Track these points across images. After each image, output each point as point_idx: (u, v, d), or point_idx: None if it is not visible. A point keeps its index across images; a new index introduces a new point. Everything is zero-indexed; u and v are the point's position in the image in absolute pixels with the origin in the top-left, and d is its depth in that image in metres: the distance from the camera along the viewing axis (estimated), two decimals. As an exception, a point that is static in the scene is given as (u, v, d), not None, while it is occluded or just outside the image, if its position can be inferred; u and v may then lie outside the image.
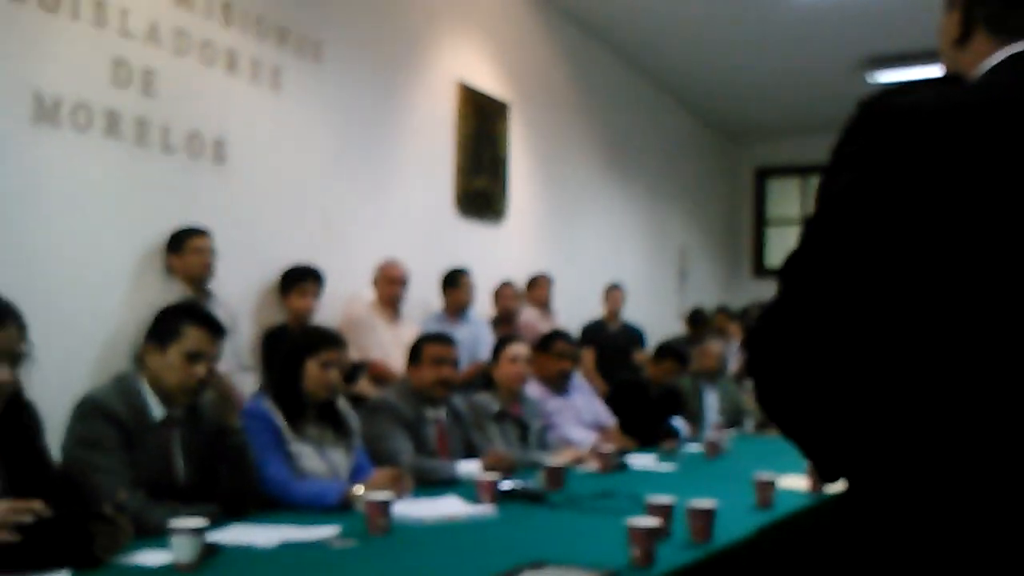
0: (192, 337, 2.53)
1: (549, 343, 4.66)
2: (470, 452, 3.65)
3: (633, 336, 7.32)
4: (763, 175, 11.35)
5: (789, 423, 1.05)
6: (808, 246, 1.03)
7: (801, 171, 10.81)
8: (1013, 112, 0.96)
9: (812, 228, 1.04)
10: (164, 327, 2.56)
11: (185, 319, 2.56)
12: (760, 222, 11.40)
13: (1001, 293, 0.92)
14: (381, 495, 2.45)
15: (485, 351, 5.22)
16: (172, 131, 4.17)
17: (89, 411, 2.44)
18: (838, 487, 1.08)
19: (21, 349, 2.10)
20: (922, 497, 0.95)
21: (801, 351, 0.98)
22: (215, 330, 2.60)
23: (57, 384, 2.87)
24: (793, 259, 1.04)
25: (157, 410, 2.52)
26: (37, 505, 1.89)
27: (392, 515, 2.43)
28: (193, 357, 2.52)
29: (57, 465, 2.35)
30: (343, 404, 3.17)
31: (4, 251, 3.50)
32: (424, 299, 5.75)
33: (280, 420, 2.92)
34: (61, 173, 3.75)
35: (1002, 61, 1.08)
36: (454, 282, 5.66)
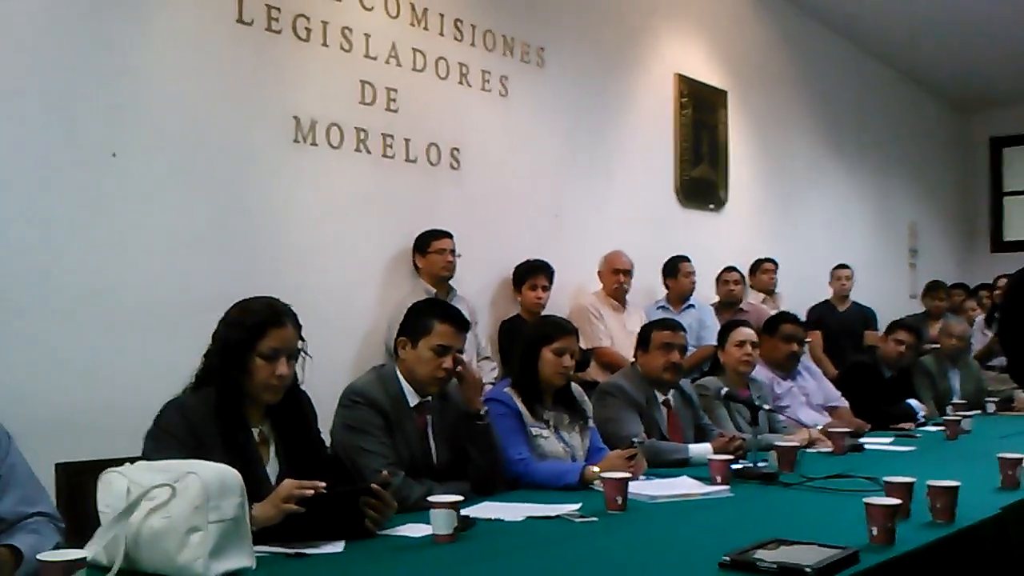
0: (439, 332, 2.75)
1: (776, 326, 4.66)
2: (700, 435, 3.74)
3: (863, 317, 7.09)
4: (999, 144, 10.59)
5: None
6: None
7: (1043, 138, 10.02)
8: None
9: None
10: (415, 323, 2.80)
11: (433, 316, 2.79)
12: (997, 194, 10.63)
13: None
14: (618, 474, 2.59)
15: (710, 336, 5.27)
16: (413, 142, 4.54)
17: (354, 400, 2.72)
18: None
19: (298, 346, 2.35)
20: None
21: None
22: (460, 324, 2.83)
23: (325, 377, 3.20)
24: None
25: (412, 398, 2.78)
26: (316, 483, 2.10)
27: (628, 493, 2.54)
28: (441, 350, 2.74)
29: (329, 449, 2.62)
30: (577, 389, 3.35)
31: (273, 258, 3.95)
32: (649, 288, 5.88)
33: (520, 405, 3.13)
34: (318, 186, 4.17)
35: None
36: (674, 270, 5.75)
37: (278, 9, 3.99)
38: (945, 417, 4.56)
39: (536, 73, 5.21)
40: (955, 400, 5.44)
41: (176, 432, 2.20)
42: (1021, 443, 3.53)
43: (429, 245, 4.43)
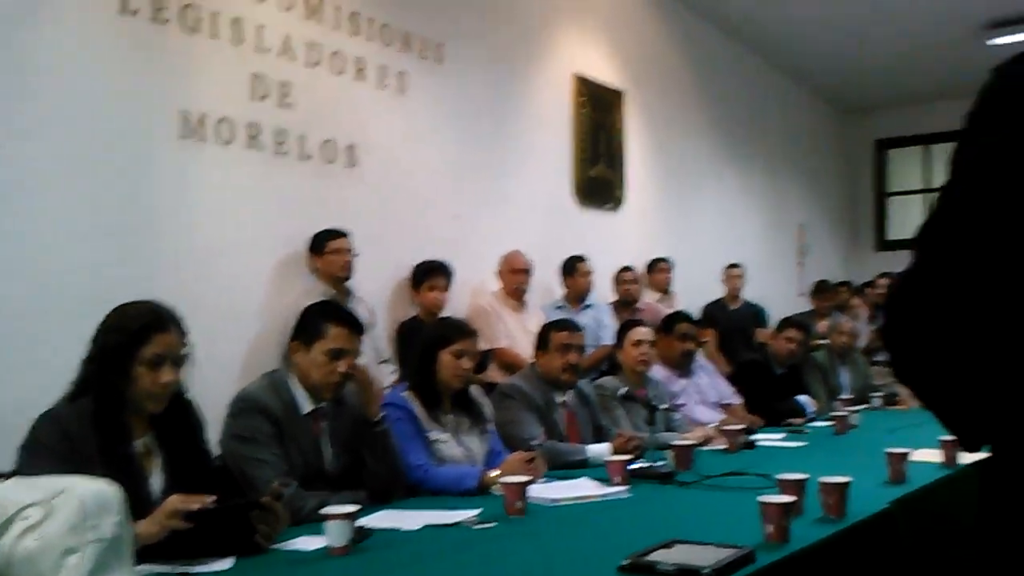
0: (334, 335, 2.69)
1: (671, 325, 4.73)
2: (599, 435, 3.75)
3: (754, 314, 7.28)
4: (883, 146, 11.03)
5: (927, 392, 1.04)
6: (943, 213, 1.01)
7: (923, 140, 10.47)
8: None
9: (947, 195, 1.02)
10: (308, 327, 2.73)
11: (327, 319, 2.72)
12: (881, 194, 11.09)
13: None
14: (517, 478, 2.57)
15: (608, 336, 5.32)
16: (308, 139, 4.43)
17: (244, 407, 2.62)
18: (978, 456, 1.07)
19: (183, 351, 2.25)
20: None
21: (939, 318, 0.98)
22: (355, 327, 2.77)
23: (213, 382, 3.07)
24: (928, 226, 1.02)
25: (306, 404, 2.70)
26: (203, 497, 2.01)
27: (528, 497, 2.53)
28: (336, 354, 2.67)
29: (217, 459, 2.53)
30: (476, 392, 3.32)
31: (159, 260, 3.80)
32: (548, 287, 5.90)
33: (419, 409, 3.09)
34: (208, 185, 4.03)
35: None
36: (572, 270, 5.78)
37: (164, -2, 3.83)
38: (834, 413, 4.70)
39: (435, 70, 5.16)
40: (844, 395, 5.62)
41: (51, 445, 2.08)
42: (907, 437, 3.66)
43: (325, 245, 4.33)
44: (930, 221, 1.02)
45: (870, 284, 8.61)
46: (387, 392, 3.31)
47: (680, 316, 4.88)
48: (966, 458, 3.26)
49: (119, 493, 1.73)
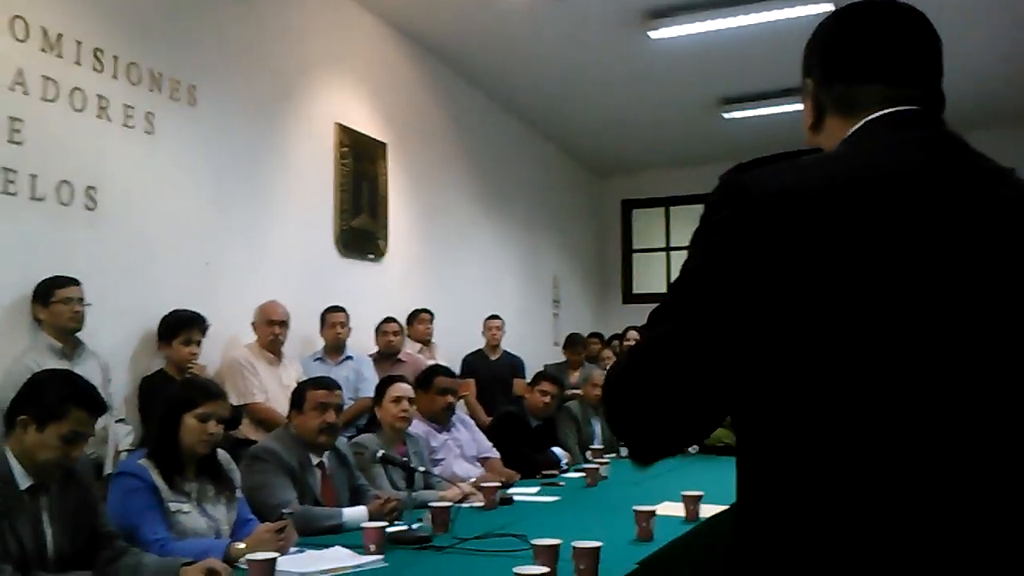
0: (75, 418, 2.46)
1: (430, 380, 4.70)
2: (356, 497, 3.64)
3: (512, 365, 7.42)
4: (629, 206, 11.76)
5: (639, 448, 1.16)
6: (673, 306, 1.09)
7: (665, 202, 11.27)
8: (855, 189, 1.05)
9: (678, 291, 1.09)
10: (44, 405, 2.45)
11: (68, 401, 2.46)
12: (628, 251, 11.78)
13: (862, 357, 1.01)
14: (263, 554, 2.43)
15: (368, 389, 5.21)
16: (41, 178, 4.04)
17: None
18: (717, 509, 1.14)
19: None
20: (804, 518, 1.03)
21: (659, 396, 1.07)
22: (96, 409, 2.54)
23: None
24: (659, 312, 1.11)
25: (24, 479, 2.43)
26: None
27: (276, 570, 2.41)
28: (71, 437, 2.45)
29: None
30: (223, 456, 3.13)
31: None
32: (309, 339, 5.72)
33: (157, 478, 2.86)
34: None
35: (852, 132, 1.16)
36: (325, 320, 5.65)
37: None
38: (586, 465, 4.83)
39: (187, 112, 4.89)
40: (596, 445, 5.81)
41: None
42: (651, 489, 3.81)
43: (52, 294, 3.94)
44: (661, 309, 1.11)
45: (619, 336, 9.05)
46: (123, 458, 3.06)
47: (439, 370, 4.87)
48: (706, 512, 3.44)
49: None
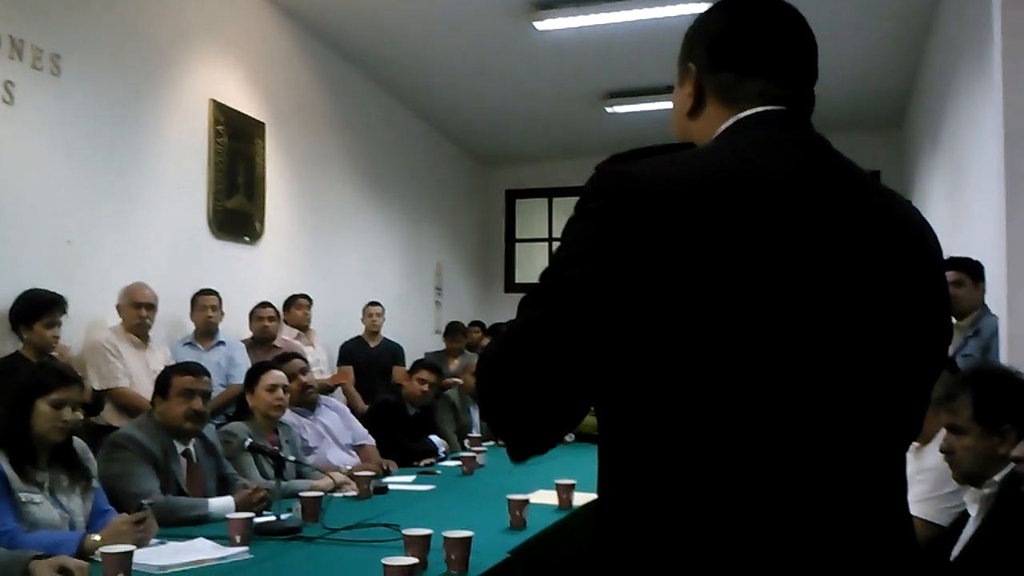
0: None
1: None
2: (223, 487, 3.54)
3: (392, 353, 7.35)
4: (513, 196, 11.82)
5: (509, 432, 1.11)
6: (543, 293, 1.07)
7: (548, 193, 11.37)
8: (732, 185, 1.05)
9: (548, 278, 1.07)
10: None
11: None
12: (511, 241, 11.84)
13: (739, 344, 1.01)
14: (118, 547, 2.32)
15: (240, 375, 5.05)
16: None
17: None
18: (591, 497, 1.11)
19: None
20: (662, 510, 1.03)
21: (525, 383, 1.05)
22: None
23: None
24: (528, 299, 1.09)
25: None
26: None
27: (134, 564, 2.31)
28: None
29: None
30: (79, 445, 2.98)
31: None
32: (179, 322, 5.51)
33: (7, 467, 2.70)
34: None
35: (728, 127, 1.17)
36: (195, 303, 5.46)
37: None
38: (462, 453, 4.82)
39: (50, 82, 4.62)
40: (475, 433, 5.81)
41: None
42: (526, 477, 3.81)
43: None
44: (531, 296, 1.09)
45: (501, 324, 9.07)
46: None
47: (289, 356, 4.75)
48: (579, 500, 3.47)
49: None
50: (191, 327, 5.51)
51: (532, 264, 11.45)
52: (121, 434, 3.38)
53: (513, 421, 1.10)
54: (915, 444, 2.94)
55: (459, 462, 4.75)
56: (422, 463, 4.95)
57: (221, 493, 3.45)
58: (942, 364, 1.20)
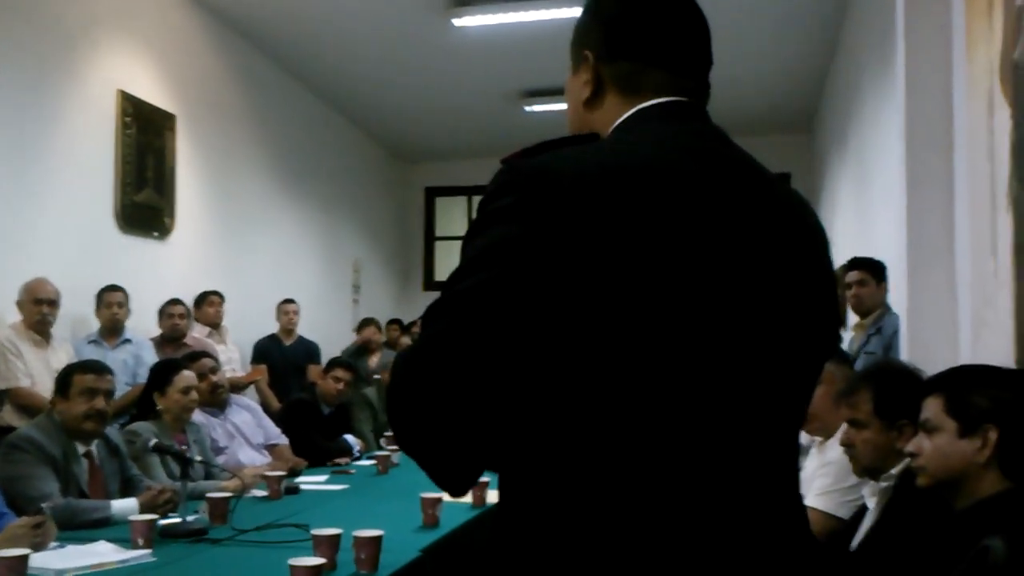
0: None
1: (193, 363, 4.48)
2: (127, 488, 3.44)
3: (308, 351, 7.25)
4: (432, 193, 11.80)
5: (416, 445, 1.03)
6: (451, 302, 1.01)
7: (467, 191, 11.38)
8: (645, 178, 1.03)
9: (457, 284, 1.02)
10: None
11: None
12: (430, 238, 11.81)
13: (650, 335, 0.99)
14: (15, 551, 2.24)
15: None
16: None
17: None
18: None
19: None
20: (563, 511, 1.01)
21: (440, 390, 0.98)
22: None
23: None
24: (435, 309, 1.02)
25: None
26: None
27: (29, 568, 2.23)
28: None
29: None
30: (-25, 446, 2.87)
31: None
32: (83, 320, 5.34)
33: None
34: None
35: (629, 117, 1.15)
36: (100, 300, 5.30)
37: None
38: (377, 452, 4.78)
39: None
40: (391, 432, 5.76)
41: None
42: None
43: None
44: (439, 303, 1.02)
45: (417, 322, 9.04)
46: None
47: (198, 355, 4.64)
48: (493, 498, 3.47)
49: None
50: (96, 325, 5.34)
51: (451, 262, 11.35)
52: (19, 435, 3.25)
53: (432, 453, 1.03)
54: (818, 439, 3.02)
55: (374, 461, 4.71)
56: (336, 462, 4.89)
57: (126, 495, 3.35)
58: (830, 353, 1.23)
